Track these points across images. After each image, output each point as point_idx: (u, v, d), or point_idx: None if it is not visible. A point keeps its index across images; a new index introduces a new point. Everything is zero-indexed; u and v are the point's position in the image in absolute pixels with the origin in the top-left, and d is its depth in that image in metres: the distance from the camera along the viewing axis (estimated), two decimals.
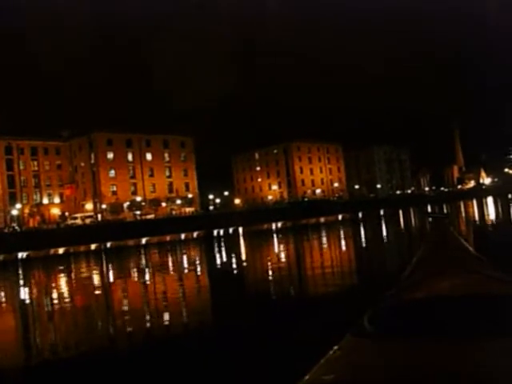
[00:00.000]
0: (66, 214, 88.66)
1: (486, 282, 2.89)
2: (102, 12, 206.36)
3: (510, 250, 14.74)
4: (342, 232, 41.05)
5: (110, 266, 29.26)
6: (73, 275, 24.70)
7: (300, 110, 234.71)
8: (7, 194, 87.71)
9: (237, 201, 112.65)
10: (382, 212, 77.01)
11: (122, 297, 16.05)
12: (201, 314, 11.48)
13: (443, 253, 3.46)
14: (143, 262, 29.49)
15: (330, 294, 12.01)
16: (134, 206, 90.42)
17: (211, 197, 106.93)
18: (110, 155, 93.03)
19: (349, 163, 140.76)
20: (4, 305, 17.03)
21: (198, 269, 22.68)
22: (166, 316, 11.45)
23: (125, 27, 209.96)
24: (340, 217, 72.85)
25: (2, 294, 20.20)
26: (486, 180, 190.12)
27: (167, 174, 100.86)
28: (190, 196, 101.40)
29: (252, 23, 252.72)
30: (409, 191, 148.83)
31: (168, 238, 53.22)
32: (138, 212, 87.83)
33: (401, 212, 68.50)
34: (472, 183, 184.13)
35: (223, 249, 33.84)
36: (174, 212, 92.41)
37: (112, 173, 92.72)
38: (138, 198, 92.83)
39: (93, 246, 50.76)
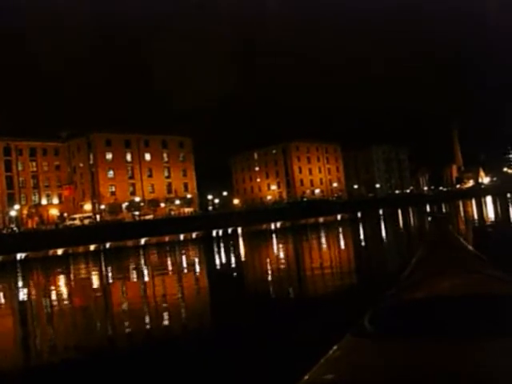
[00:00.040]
0: (65, 214, 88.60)
1: (486, 282, 2.88)
2: (102, 12, 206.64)
3: (510, 249, 14.75)
4: (341, 232, 41.05)
5: (108, 266, 29.24)
6: (72, 276, 24.68)
7: (300, 110, 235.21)
8: (6, 195, 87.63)
9: (236, 201, 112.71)
10: (380, 212, 77.04)
11: (120, 298, 16.02)
12: (200, 314, 11.46)
13: (443, 252, 3.45)
14: (142, 262, 29.46)
15: (329, 295, 12.00)
16: (133, 206, 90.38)
17: (210, 197, 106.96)
18: (109, 156, 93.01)
19: (347, 163, 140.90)
20: (3, 306, 16.99)
21: (197, 269, 22.67)
22: (165, 317, 11.44)
23: (125, 27, 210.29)
24: (339, 217, 72.85)
25: (1, 295, 20.17)
26: (485, 179, 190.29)
27: (166, 174, 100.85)
28: (188, 196, 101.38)
29: (252, 23, 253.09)
30: (408, 191, 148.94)
31: (167, 239, 53.18)
32: (137, 212, 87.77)
33: (400, 211, 68.54)
34: (471, 183, 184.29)
35: (222, 249, 33.83)
36: (172, 212, 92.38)
37: (111, 173, 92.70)
38: (137, 199, 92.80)
39: (92, 247, 50.71)
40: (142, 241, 53.72)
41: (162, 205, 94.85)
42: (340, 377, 2.02)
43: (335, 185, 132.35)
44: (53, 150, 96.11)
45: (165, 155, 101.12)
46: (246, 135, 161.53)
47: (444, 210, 62.22)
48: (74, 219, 79.16)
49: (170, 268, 24.15)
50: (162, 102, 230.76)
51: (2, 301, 18.36)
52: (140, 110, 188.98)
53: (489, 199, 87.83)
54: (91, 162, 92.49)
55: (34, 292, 19.99)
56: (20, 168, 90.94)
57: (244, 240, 43.49)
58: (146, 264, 27.53)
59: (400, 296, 2.88)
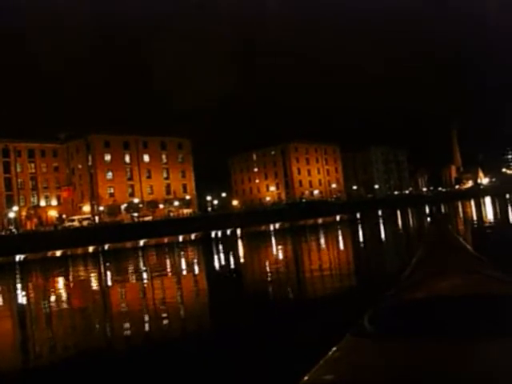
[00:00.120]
0: (64, 216, 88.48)
1: (485, 282, 2.88)
2: (102, 12, 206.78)
3: (509, 249, 14.76)
4: (340, 233, 41.06)
5: (107, 268, 29.20)
6: (70, 278, 24.65)
7: (300, 110, 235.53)
8: (4, 197, 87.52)
9: (234, 202, 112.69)
10: (379, 212, 77.07)
11: (119, 299, 16.00)
12: (199, 315, 11.45)
13: (443, 253, 3.45)
14: (141, 264, 29.43)
15: (328, 296, 11.99)
16: (132, 207, 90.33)
17: (209, 198, 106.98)
18: (108, 157, 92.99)
19: (346, 164, 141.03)
20: (1, 308, 16.96)
21: (196, 271, 22.66)
22: (164, 318, 11.42)
23: (125, 27, 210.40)
24: (338, 218, 72.86)
25: (0, 296, 20.14)
26: (484, 180, 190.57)
27: (165, 175, 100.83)
28: (187, 197, 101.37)
29: (252, 23, 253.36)
30: (407, 191, 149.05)
31: (166, 240, 53.14)
32: (136, 214, 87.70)
33: (399, 212, 68.57)
34: (470, 183, 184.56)
35: (221, 250, 33.81)
36: (171, 214, 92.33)
37: (109, 175, 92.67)
38: (136, 200, 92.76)
39: (90, 249, 50.66)
40: (141, 242, 53.67)
41: (161, 206, 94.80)
42: (340, 377, 2.02)
43: (334, 186, 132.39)
44: (51, 152, 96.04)
45: (163, 156, 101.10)
46: (246, 136, 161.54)
47: (443, 211, 62.23)
48: (73, 221, 79.07)
49: (168, 269, 24.13)
50: (162, 102, 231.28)
51: (1, 303, 18.33)
52: (140, 111, 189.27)
53: (488, 200, 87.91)
54: (90, 163, 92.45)
55: (32, 294, 19.96)
56: (18, 169, 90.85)
57: (243, 241, 43.48)
58: (144, 265, 27.50)
59: (400, 296, 2.88)
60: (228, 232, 59.87)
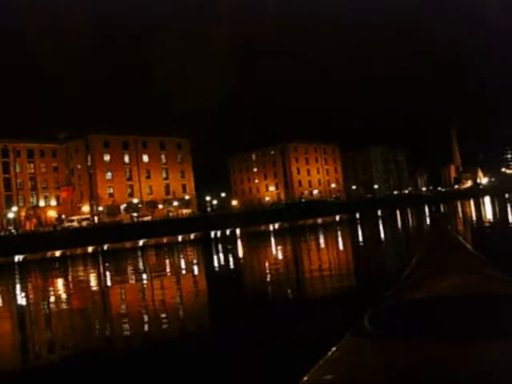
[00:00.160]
0: (63, 216, 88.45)
1: (485, 282, 2.87)
2: (102, 12, 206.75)
3: (509, 249, 14.76)
4: (339, 233, 41.06)
5: (107, 268, 29.19)
6: (70, 278, 24.63)
7: (300, 110, 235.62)
8: (3, 197, 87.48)
9: (234, 202, 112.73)
10: (379, 212, 77.09)
11: (119, 299, 16.00)
12: (198, 315, 11.44)
13: (443, 253, 3.44)
14: (140, 264, 29.42)
15: (327, 296, 11.99)
16: (131, 208, 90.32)
17: (208, 198, 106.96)
18: (107, 157, 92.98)
19: (346, 164, 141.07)
20: (1, 308, 16.95)
21: (196, 271, 22.65)
22: (164, 318, 11.41)
23: (125, 27, 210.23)
24: (337, 217, 72.89)
25: None
26: (483, 180, 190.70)
27: (164, 175, 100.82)
28: (186, 198, 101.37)
29: (252, 23, 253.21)
30: (406, 191, 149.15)
31: (165, 240, 53.14)
32: (135, 214, 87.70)
33: (398, 212, 68.59)
34: (469, 183, 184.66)
35: (221, 251, 33.81)
36: (170, 214, 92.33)
37: (109, 175, 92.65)
38: (135, 200, 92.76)
39: (90, 249, 50.64)
40: (140, 242, 53.65)
41: (160, 206, 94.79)
42: (340, 377, 2.02)
43: (333, 186, 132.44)
44: (50, 152, 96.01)
45: (163, 157, 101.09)
46: (246, 136, 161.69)
47: (442, 211, 62.26)
48: (72, 221, 79.05)
49: (168, 269, 24.12)
50: (162, 102, 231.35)
51: (0, 303, 18.31)
52: (140, 111, 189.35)
53: (487, 199, 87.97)
54: (89, 163, 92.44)
55: (31, 294, 19.95)
56: (18, 170, 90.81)
57: (242, 241, 43.48)
58: (144, 266, 27.49)
59: (400, 296, 2.88)
60: (227, 232, 59.88)
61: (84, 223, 78.02)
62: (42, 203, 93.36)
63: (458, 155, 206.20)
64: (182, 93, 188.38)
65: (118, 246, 51.14)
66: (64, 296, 17.82)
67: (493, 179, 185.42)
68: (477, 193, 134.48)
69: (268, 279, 16.54)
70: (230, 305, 12.06)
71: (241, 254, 30.23)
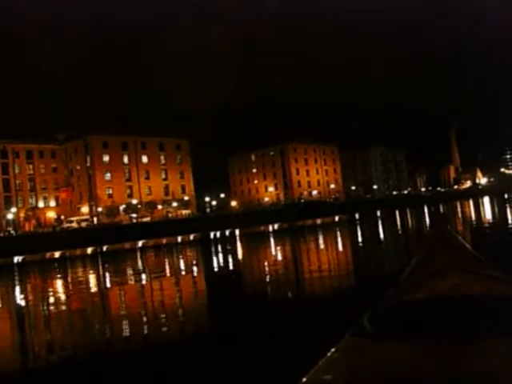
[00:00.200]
0: (62, 217, 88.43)
1: (485, 282, 2.87)
2: (101, 12, 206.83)
3: (508, 249, 14.77)
4: (338, 233, 41.06)
5: (106, 269, 29.16)
6: (69, 279, 24.60)
7: (300, 110, 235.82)
8: (2, 198, 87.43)
9: (233, 203, 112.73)
10: (378, 213, 77.10)
11: (118, 301, 15.99)
12: (198, 316, 11.43)
13: (442, 253, 3.43)
14: (139, 265, 29.41)
15: (327, 296, 11.99)
16: (130, 208, 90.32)
17: (207, 199, 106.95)
18: (106, 158, 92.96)
19: (345, 164, 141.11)
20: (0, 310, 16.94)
21: (195, 272, 22.64)
22: (164, 319, 11.40)
23: (125, 27, 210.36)
24: (337, 218, 72.91)
25: None
26: (482, 180, 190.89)
27: (163, 176, 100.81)
28: (186, 198, 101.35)
29: (252, 23, 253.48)
30: (405, 192, 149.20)
31: (164, 241, 53.12)
32: (134, 215, 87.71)
33: (397, 213, 68.61)
34: (468, 183, 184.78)
35: (220, 251, 33.80)
36: (170, 215, 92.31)
37: (108, 176, 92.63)
38: (134, 201, 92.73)
39: (89, 250, 50.63)
40: (140, 243, 53.64)
41: (160, 207, 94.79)
42: (340, 377, 2.02)
43: (333, 186, 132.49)
44: (50, 153, 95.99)
45: (162, 157, 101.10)
46: (245, 136, 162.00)
47: (442, 211, 62.28)
48: (72, 222, 79.04)
49: (167, 270, 24.11)
50: (162, 102, 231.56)
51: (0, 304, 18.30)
52: (140, 111, 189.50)
53: (486, 200, 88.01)
54: (88, 164, 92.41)
55: (31, 296, 19.93)
56: (17, 171, 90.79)
57: (242, 242, 43.47)
58: (143, 267, 27.48)
59: (399, 296, 2.87)
60: (227, 233, 59.88)
61: (83, 224, 78.01)
62: (41, 204, 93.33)
63: (457, 155, 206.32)
64: (182, 93, 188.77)
65: (118, 246, 51.12)
66: (63, 297, 17.80)
67: (492, 179, 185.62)
68: (476, 193, 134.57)
69: (267, 280, 16.53)
70: (230, 305, 12.05)
71: (240, 254, 30.22)
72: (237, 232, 59.34)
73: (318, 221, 68.71)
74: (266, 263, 22.78)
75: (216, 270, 22.12)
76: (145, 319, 11.61)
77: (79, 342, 10.06)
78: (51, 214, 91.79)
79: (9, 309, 16.73)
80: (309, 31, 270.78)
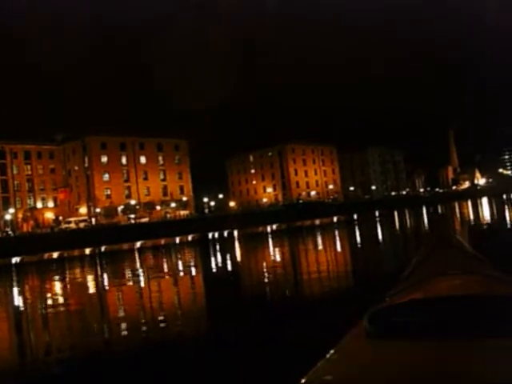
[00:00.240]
0: (60, 218, 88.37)
1: (486, 282, 2.86)
2: (101, 12, 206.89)
3: (507, 249, 14.77)
4: (337, 234, 41.08)
5: (104, 270, 29.14)
6: (67, 280, 24.57)
7: (300, 110, 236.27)
8: (0, 199, 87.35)
9: (231, 203, 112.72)
10: (376, 213, 77.18)
11: (116, 302, 15.96)
12: (196, 317, 11.42)
13: (443, 253, 3.43)
14: (138, 265, 29.38)
15: (325, 297, 11.98)
16: (129, 209, 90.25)
17: (206, 200, 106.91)
18: (104, 159, 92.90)
19: (343, 165, 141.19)
20: None
21: (194, 272, 22.62)
22: (162, 320, 11.38)
23: (125, 27, 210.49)
24: (335, 219, 72.97)
25: None
26: (481, 181, 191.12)
27: (161, 177, 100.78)
28: (184, 199, 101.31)
29: (252, 23, 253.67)
30: (404, 192, 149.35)
31: (163, 242, 53.10)
32: (133, 215, 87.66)
33: (396, 213, 68.67)
34: (467, 184, 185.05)
35: (218, 252, 33.79)
36: (168, 215, 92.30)
37: (106, 176, 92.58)
38: (133, 202, 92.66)
39: (87, 250, 50.60)
40: (138, 244, 53.62)
41: (158, 208, 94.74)
42: (340, 377, 2.01)
43: (331, 187, 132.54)
44: (48, 153, 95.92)
45: (160, 158, 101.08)
46: (245, 136, 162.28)
47: (440, 212, 62.36)
48: (70, 222, 79.00)
49: (165, 271, 24.09)
50: (162, 102, 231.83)
51: None
52: (140, 111, 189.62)
53: (484, 200, 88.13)
54: (86, 165, 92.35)
55: (28, 296, 19.90)
56: (15, 171, 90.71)
57: (240, 242, 43.47)
58: (141, 267, 27.45)
59: (400, 296, 2.86)
60: (225, 233, 59.88)
61: (81, 225, 77.98)
62: (39, 205, 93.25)
63: (456, 156, 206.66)
64: (182, 93, 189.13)
65: (116, 247, 51.08)
66: (61, 298, 17.78)
67: (490, 180, 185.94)
68: (474, 194, 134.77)
69: (266, 281, 16.51)
70: (228, 306, 12.04)
71: (238, 255, 30.20)
72: (235, 233, 59.34)
73: (317, 221, 68.74)
74: (264, 264, 22.77)
75: (214, 270, 22.10)
76: (143, 320, 11.59)
77: (77, 343, 10.03)
78: (49, 215, 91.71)
79: (6, 309, 16.69)
80: (309, 31, 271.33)
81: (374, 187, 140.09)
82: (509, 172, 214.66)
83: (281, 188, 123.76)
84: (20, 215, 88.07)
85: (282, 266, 20.68)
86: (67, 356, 8.92)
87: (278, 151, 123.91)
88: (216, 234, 59.15)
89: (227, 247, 37.49)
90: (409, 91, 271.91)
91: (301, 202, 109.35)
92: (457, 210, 61.26)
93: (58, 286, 22.21)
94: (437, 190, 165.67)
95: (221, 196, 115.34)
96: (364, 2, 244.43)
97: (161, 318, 11.60)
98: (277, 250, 31.02)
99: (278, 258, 24.76)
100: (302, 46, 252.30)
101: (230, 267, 22.93)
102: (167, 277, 21.14)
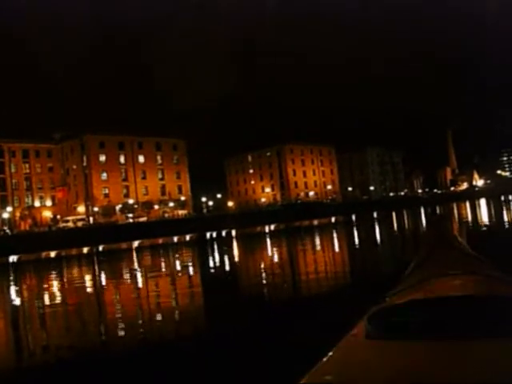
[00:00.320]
0: (58, 216, 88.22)
1: (485, 283, 2.86)
2: (101, 12, 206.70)
3: (506, 250, 14.79)
4: (335, 234, 41.10)
5: (102, 269, 29.11)
6: (65, 279, 24.56)
7: (299, 110, 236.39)
8: None
9: (230, 203, 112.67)
10: (375, 214, 77.24)
11: (113, 301, 15.94)
12: (194, 317, 11.40)
13: (443, 253, 3.44)
14: (135, 265, 29.36)
15: (324, 297, 11.98)
16: (127, 208, 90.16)
17: (204, 199, 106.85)
18: (102, 158, 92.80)
19: (342, 165, 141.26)
20: None
21: (191, 272, 22.60)
22: (160, 320, 11.37)
23: (125, 27, 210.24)
24: (333, 219, 73.01)
25: None
26: (479, 182, 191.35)
27: (160, 176, 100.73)
28: (182, 199, 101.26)
29: (252, 23, 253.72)
30: (402, 193, 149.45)
31: (161, 241, 53.08)
32: (131, 215, 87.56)
33: (394, 214, 68.73)
34: (465, 185, 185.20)
35: (216, 252, 33.78)
36: (166, 215, 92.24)
37: (104, 175, 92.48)
38: (131, 201, 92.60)
39: (85, 249, 50.55)
40: (136, 243, 53.57)
41: (156, 207, 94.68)
42: (340, 377, 2.01)
43: (329, 187, 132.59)
44: (46, 152, 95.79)
45: (158, 157, 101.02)
46: (245, 136, 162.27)
47: (438, 213, 62.42)
48: (68, 221, 78.87)
49: (163, 271, 24.07)
50: (162, 102, 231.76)
51: None
52: (140, 111, 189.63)
53: (483, 201, 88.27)
54: (84, 163, 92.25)
55: (26, 295, 19.88)
56: (13, 170, 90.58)
57: (238, 242, 43.47)
58: (139, 267, 27.43)
59: (400, 297, 2.86)
60: (223, 233, 59.86)
61: (79, 224, 77.85)
62: (37, 203, 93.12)
63: (454, 157, 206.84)
64: (182, 93, 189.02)
65: (114, 246, 51.03)
66: (58, 297, 17.76)
67: (488, 181, 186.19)
68: (473, 195, 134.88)
69: (264, 281, 16.52)
70: (226, 306, 12.02)
71: (236, 255, 30.20)
72: (233, 232, 59.33)
73: (315, 222, 68.76)
74: (262, 264, 22.77)
75: (212, 270, 22.09)
76: (140, 320, 11.58)
77: (74, 341, 10.02)
78: (47, 214, 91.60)
79: (4, 308, 16.66)
80: (309, 31, 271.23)
81: (372, 188, 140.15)
82: (507, 173, 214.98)
83: (279, 188, 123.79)
84: (18, 214, 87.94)
85: (280, 266, 20.68)
86: (64, 354, 8.90)
87: (276, 151, 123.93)
88: (214, 234, 59.14)
89: (225, 247, 37.48)
90: (409, 91, 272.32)
91: (299, 202, 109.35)
92: (455, 211, 61.32)
93: (55, 285, 22.18)
94: (435, 190, 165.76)
95: (219, 196, 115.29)
96: (364, 2, 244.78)
97: (158, 317, 11.60)
98: (275, 250, 31.02)
99: (276, 259, 24.76)
100: (302, 46, 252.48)
101: (227, 267, 22.93)
102: (165, 276, 21.12)
